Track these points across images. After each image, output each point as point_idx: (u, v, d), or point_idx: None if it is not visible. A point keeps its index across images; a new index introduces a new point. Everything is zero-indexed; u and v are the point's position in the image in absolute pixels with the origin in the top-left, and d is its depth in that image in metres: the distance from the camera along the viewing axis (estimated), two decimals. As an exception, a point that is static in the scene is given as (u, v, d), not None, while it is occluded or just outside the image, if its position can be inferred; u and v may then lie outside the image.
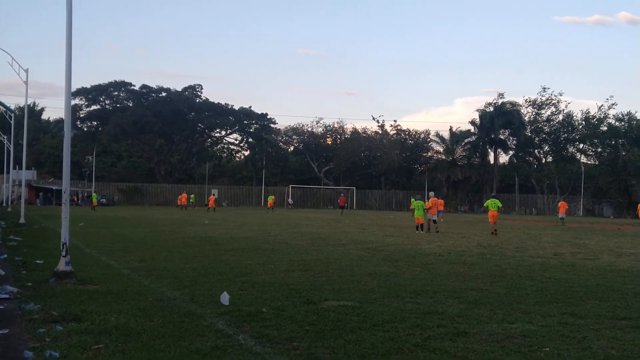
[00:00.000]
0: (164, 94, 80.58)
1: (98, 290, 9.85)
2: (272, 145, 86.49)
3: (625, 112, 75.38)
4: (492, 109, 77.63)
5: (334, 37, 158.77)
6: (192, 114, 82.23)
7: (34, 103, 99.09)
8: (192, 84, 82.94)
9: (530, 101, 78.50)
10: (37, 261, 13.54)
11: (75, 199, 69.88)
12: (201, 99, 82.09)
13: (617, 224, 43.27)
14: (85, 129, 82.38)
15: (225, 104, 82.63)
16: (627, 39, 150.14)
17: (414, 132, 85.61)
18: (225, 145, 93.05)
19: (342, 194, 65.96)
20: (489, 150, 79.86)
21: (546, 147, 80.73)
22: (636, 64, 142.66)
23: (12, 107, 53.63)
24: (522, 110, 78.38)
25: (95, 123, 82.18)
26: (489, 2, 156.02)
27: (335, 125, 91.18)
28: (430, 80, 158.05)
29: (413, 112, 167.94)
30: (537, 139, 79.57)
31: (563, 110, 77.69)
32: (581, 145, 79.59)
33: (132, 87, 79.77)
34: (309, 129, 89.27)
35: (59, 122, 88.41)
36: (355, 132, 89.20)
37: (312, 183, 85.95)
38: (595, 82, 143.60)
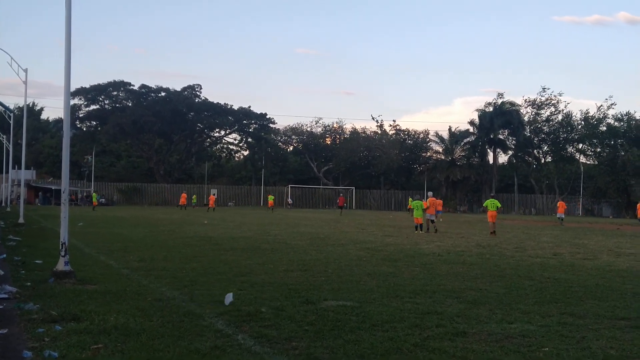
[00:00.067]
0: (163, 94, 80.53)
1: (97, 290, 9.85)
2: (272, 145, 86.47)
3: (625, 112, 75.49)
4: (491, 108, 77.67)
5: (333, 37, 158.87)
6: (192, 113, 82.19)
7: (33, 103, 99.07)
8: (191, 84, 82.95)
9: (529, 101, 78.58)
10: (36, 261, 13.53)
11: (75, 199, 69.85)
12: (200, 98, 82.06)
13: (616, 224, 43.29)
14: (84, 129, 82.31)
15: (225, 103, 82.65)
16: (626, 39, 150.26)
17: (413, 132, 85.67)
18: (225, 145, 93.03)
19: (341, 194, 65.97)
20: (488, 150, 79.91)
21: (545, 147, 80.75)
22: (635, 64, 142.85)
23: (11, 107, 53.53)
24: (521, 110, 78.47)
25: (94, 123, 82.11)
26: (489, 2, 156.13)
27: (335, 125, 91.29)
28: (430, 80, 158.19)
29: (412, 112, 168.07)
30: (536, 139, 79.58)
31: (562, 110, 77.83)
32: (580, 145, 79.63)
33: (131, 87, 79.73)
34: (308, 129, 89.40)
35: (58, 121, 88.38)
36: (354, 132, 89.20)
37: (311, 183, 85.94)
38: (594, 82, 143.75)
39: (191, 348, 6.41)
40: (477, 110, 79.02)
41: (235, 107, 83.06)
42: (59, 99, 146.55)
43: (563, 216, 41.02)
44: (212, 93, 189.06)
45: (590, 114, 76.63)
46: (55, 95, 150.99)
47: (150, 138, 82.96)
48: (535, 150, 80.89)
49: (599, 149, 77.16)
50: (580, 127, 77.28)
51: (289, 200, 74.85)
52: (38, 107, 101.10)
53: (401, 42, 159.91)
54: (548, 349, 6.66)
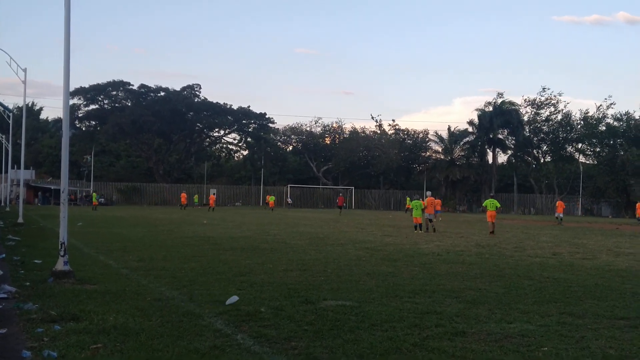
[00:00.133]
0: (162, 94, 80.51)
1: (96, 289, 9.84)
2: (271, 145, 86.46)
3: (624, 112, 75.51)
4: (491, 108, 77.68)
5: (333, 37, 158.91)
6: (191, 113, 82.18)
7: (32, 102, 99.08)
8: (190, 84, 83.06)
9: (529, 101, 78.58)
10: (36, 261, 13.52)
11: (74, 199, 69.83)
12: (200, 98, 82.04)
13: (616, 224, 43.30)
14: (83, 129, 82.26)
15: (224, 103, 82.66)
16: (625, 38, 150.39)
17: (412, 132, 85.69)
18: (224, 145, 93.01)
19: (340, 194, 65.98)
20: (488, 150, 79.91)
21: (545, 147, 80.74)
22: (635, 63, 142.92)
23: (11, 107, 53.44)
24: (520, 110, 78.46)
25: (93, 122, 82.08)
26: (488, 2, 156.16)
27: (334, 125, 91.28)
28: (429, 79, 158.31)
29: (412, 111, 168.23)
30: (535, 138, 79.58)
31: (562, 110, 77.82)
32: (580, 145, 79.63)
33: (131, 87, 79.71)
34: (308, 129, 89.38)
35: (58, 121, 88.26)
36: (353, 131, 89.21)
37: (310, 183, 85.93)
38: (593, 82, 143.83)
39: (190, 348, 6.40)
40: (476, 109, 79.16)
41: (235, 107, 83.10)
42: (58, 98, 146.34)
43: (562, 215, 41.06)
44: (211, 93, 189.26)
45: (590, 114, 76.71)
46: (54, 95, 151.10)
47: (150, 138, 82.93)
48: (534, 150, 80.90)
49: (598, 149, 77.18)
50: (579, 126, 77.28)
51: (289, 200, 74.85)
52: (37, 107, 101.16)
53: (401, 41, 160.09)
54: (547, 348, 6.66)
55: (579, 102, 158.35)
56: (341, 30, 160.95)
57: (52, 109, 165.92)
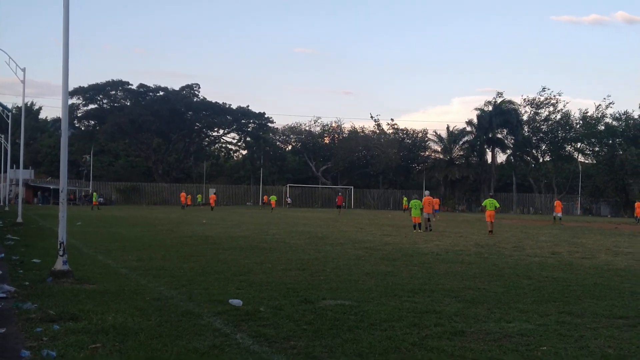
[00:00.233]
0: (161, 93, 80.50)
1: (95, 289, 9.84)
2: (270, 145, 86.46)
3: (623, 112, 75.58)
4: (490, 107, 77.69)
5: (332, 37, 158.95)
6: (190, 113, 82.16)
7: (31, 102, 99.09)
8: (189, 83, 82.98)
9: (528, 100, 78.59)
10: (35, 260, 13.51)
11: (73, 198, 69.80)
12: (199, 98, 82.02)
13: (615, 223, 43.33)
14: (82, 128, 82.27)
15: (223, 103, 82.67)
16: (624, 38, 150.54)
17: (411, 132, 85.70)
18: (223, 145, 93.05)
19: (339, 193, 66.00)
20: (487, 149, 79.92)
21: (544, 147, 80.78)
22: (633, 63, 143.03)
23: (10, 106, 53.43)
24: (520, 110, 78.47)
25: (92, 122, 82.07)
26: (487, 2, 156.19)
27: (333, 125, 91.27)
28: (428, 79, 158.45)
29: (411, 111, 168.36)
30: (534, 138, 79.63)
31: (561, 109, 77.85)
32: (579, 145, 79.68)
33: (130, 87, 79.69)
34: (307, 128, 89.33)
35: (57, 121, 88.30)
36: (353, 131, 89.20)
37: (309, 182, 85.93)
38: (592, 82, 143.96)
39: (189, 347, 6.40)
40: (476, 109, 79.16)
41: (234, 107, 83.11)
42: (57, 98, 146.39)
43: (560, 215, 41.10)
44: (210, 92, 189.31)
45: (589, 113, 76.74)
46: (53, 94, 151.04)
47: (149, 137, 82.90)
48: (533, 150, 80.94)
49: (597, 148, 77.23)
50: (578, 126, 77.34)
51: (288, 199, 74.85)
52: (36, 107, 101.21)
53: (400, 41, 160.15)
54: (546, 347, 6.67)
55: (578, 101, 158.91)
56: (340, 30, 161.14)
57: (51, 109, 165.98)
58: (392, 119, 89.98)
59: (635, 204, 48.50)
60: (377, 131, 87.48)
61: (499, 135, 79.11)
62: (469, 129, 79.27)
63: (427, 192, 30.75)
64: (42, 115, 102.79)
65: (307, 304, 8.82)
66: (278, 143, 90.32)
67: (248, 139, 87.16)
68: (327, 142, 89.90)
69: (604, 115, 75.86)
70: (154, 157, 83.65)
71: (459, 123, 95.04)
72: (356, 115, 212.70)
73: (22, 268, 12.42)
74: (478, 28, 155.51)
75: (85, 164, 77.70)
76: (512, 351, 6.51)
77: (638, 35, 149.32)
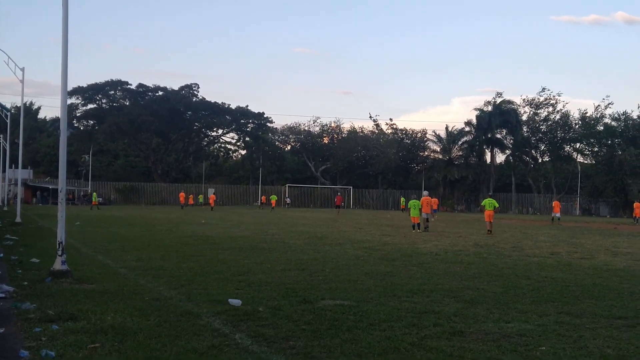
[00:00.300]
0: (160, 93, 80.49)
1: (94, 289, 9.83)
2: (269, 145, 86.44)
3: (622, 112, 75.65)
4: (490, 107, 77.72)
5: (331, 37, 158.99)
6: (189, 113, 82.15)
7: (30, 102, 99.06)
8: (188, 83, 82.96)
9: (527, 100, 78.61)
10: (33, 260, 13.50)
11: (72, 198, 69.76)
12: (198, 98, 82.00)
13: (614, 224, 43.36)
14: (81, 128, 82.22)
15: (222, 103, 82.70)
16: (624, 38, 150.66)
17: (410, 132, 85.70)
18: (222, 145, 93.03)
19: (339, 193, 66.03)
20: (486, 149, 79.93)
21: (543, 147, 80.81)
22: (633, 63, 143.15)
23: (8, 106, 53.47)
24: (519, 110, 78.49)
25: (91, 122, 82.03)
26: (486, 2, 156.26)
27: (332, 125, 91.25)
28: (428, 79, 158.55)
29: (411, 111, 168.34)
30: (533, 138, 79.66)
31: (561, 110, 77.89)
32: (578, 145, 79.73)
33: (129, 86, 79.65)
34: (306, 128, 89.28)
35: (55, 121, 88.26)
36: (352, 131, 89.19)
37: (309, 182, 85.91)
38: (591, 82, 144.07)
39: (188, 347, 6.40)
40: (475, 109, 79.14)
41: (233, 107, 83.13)
42: (56, 98, 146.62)
43: (559, 215, 41.13)
44: (209, 92, 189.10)
45: (588, 114, 76.80)
46: (52, 94, 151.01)
47: (148, 137, 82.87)
48: (532, 150, 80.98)
49: (596, 149, 77.27)
50: (577, 126, 77.39)
51: (287, 199, 74.86)
52: (35, 106, 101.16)
53: (399, 41, 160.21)
54: (545, 348, 6.67)
55: (577, 101, 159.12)
56: (340, 30, 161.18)
57: (50, 109, 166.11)
58: (390, 119, 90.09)
59: (634, 204, 48.54)
60: (376, 131, 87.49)
61: (498, 136, 79.15)
62: (467, 129, 79.32)
63: (425, 192, 30.76)
64: (41, 115, 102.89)
65: (306, 304, 8.82)
66: (277, 143, 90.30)
67: (247, 139, 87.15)
68: (327, 142, 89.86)
69: (603, 116, 75.98)
70: (153, 157, 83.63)
71: (459, 123, 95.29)
72: (356, 115, 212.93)
73: (21, 268, 12.42)
74: (478, 28, 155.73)
75: (84, 164, 77.67)
76: (511, 351, 6.51)
77: (638, 35, 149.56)
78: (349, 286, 10.65)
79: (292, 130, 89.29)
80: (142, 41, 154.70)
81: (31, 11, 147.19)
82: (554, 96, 77.56)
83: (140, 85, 79.95)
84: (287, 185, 79.89)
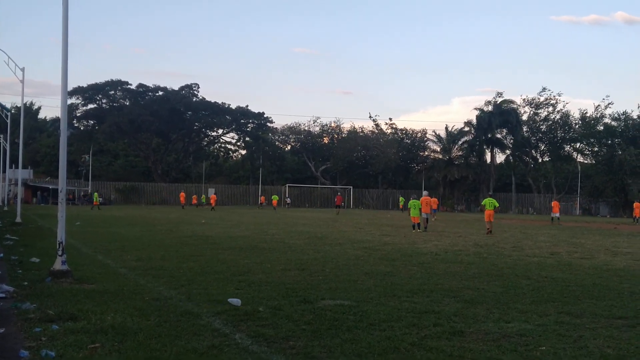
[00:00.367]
0: (160, 93, 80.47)
1: (94, 289, 9.83)
2: (269, 144, 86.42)
3: (622, 112, 75.65)
4: (490, 107, 77.71)
5: (331, 36, 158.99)
6: (189, 113, 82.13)
7: (31, 102, 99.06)
8: (188, 83, 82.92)
9: (527, 100, 78.62)
10: (33, 260, 13.50)
11: (72, 198, 69.77)
12: (198, 98, 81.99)
13: (614, 223, 43.37)
14: (81, 128, 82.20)
15: (222, 103, 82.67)
16: (624, 38, 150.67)
17: (410, 132, 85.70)
18: (222, 145, 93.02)
19: (339, 193, 66.05)
20: (486, 149, 79.94)
21: (543, 147, 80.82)
22: (633, 63, 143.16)
23: (9, 106, 53.41)
24: (519, 110, 78.48)
25: (91, 122, 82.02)
26: (486, 2, 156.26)
27: (332, 125, 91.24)
28: (428, 79, 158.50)
29: (411, 111, 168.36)
30: (533, 138, 79.66)
31: (561, 109, 77.88)
32: (578, 145, 79.73)
33: (129, 86, 79.63)
34: (306, 128, 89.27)
35: (56, 121, 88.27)
36: (352, 131, 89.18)
37: (309, 182, 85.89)
38: (591, 82, 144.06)
39: (188, 347, 6.40)
40: (476, 108, 79.14)
41: (233, 107, 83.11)
42: (56, 98, 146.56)
43: (558, 215, 41.13)
44: (209, 92, 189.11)
45: (588, 114, 76.80)
46: (52, 94, 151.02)
47: (148, 137, 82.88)
48: (532, 150, 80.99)
49: (596, 149, 77.26)
50: (577, 126, 77.39)
51: (288, 199, 74.86)
52: (35, 106, 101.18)
53: (399, 41, 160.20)
54: (545, 348, 6.67)
55: (577, 101, 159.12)
56: (340, 30, 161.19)
57: (50, 109, 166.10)
58: (390, 119, 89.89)
59: (634, 204, 48.56)
60: (376, 131, 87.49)
61: (498, 136, 79.16)
62: (467, 129, 79.30)
63: (425, 193, 30.79)
64: (41, 115, 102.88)
65: (306, 304, 8.82)
66: (277, 143, 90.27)
67: (247, 138, 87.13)
68: (327, 142, 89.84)
69: (603, 116, 75.97)
70: (153, 157, 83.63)
71: (459, 123, 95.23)
72: (356, 115, 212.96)
73: (21, 268, 12.42)
74: (478, 28, 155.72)
75: (84, 164, 77.67)
76: (511, 351, 6.51)
77: (637, 35, 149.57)
78: (349, 286, 10.65)
79: (292, 130, 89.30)
80: (142, 41, 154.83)
81: (31, 11, 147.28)
82: (554, 96, 77.67)
83: (140, 85, 79.96)
84: (287, 185, 79.87)
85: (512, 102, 78.13)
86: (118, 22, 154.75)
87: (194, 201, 64.41)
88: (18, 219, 29.76)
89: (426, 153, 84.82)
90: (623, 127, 74.58)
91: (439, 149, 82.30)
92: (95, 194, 60.80)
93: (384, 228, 30.01)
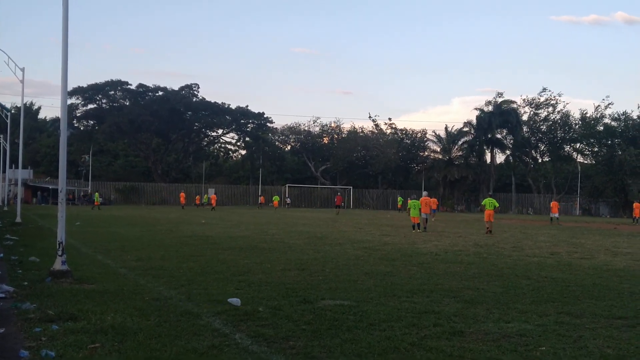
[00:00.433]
0: (160, 93, 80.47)
1: (94, 289, 9.83)
2: (269, 145, 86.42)
3: (622, 112, 75.64)
4: (491, 107, 77.71)
5: (331, 36, 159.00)
6: (189, 113, 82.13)
7: (31, 102, 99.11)
8: (188, 83, 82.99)
9: (527, 101, 78.61)
10: (33, 260, 13.50)
11: (72, 198, 69.76)
12: (198, 98, 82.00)
13: (614, 224, 43.36)
14: (81, 128, 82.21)
15: (222, 103, 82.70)
16: (624, 38, 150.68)
17: (410, 132, 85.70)
18: (222, 145, 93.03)
19: (339, 193, 66.07)
20: (486, 149, 79.93)
21: (543, 147, 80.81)
22: (633, 63, 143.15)
23: (8, 106, 53.43)
24: (519, 110, 78.47)
25: (91, 122, 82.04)
26: (486, 2, 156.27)
27: (332, 125, 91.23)
28: (428, 79, 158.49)
29: (411, 111, 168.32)
30: (533, 138, 79.66)
31: (561, 110, 77.87)
32: (578, 145, 79.72)
33: (129, 86, 79.63)
34: (306, 128, 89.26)
35: (55, 121, 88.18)
36: (352, 131, 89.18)
37: (308, 182, 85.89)
38: (592, 82, 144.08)
39: (188, 347, 6.40)
40: (476, 108, 79.11)
41: (233, 107, 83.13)
42: (56, 98, 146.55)
43: (557, 215, 41.14)
44: (209, 93, 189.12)
45: (588, 114, 76.80)
46: (52, 94, 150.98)
47: (148, 137, 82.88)
48: (532, 150, 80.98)
49: (596, 149, 77.25)
50: (577, 126, 77.39)
51: (288, 199, 74.85)
52: (35, 107, 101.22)
53: (399, 41, 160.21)
54: (545, 348, 6.67)
55: (577, 102, 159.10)
56: (340, 30, 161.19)
57: (50, 109, 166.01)
58: (389, 119, 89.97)
59: (634, 204, 48.56)
60: (376, 131, 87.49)
61: (498, 136, 79.15)
62: (467, 129, 79.28)
63: (425, 193, 30.80)
64: (41, 115, 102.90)
65: (306, 304, 8.82)
66: (277, 143, 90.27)
67: (247, 139, 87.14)
68: (326, 142, 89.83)
69: (603, 116, 75.95)
70: (153, 157, 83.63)
71: (459, 123, 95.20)
72: (355, 116, 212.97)
73: (21, 268, 12.42)
74: (478, 28, 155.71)
75: (84, 164, 77.65)
76: (510, 351, 6.51)
77: (637, 35, 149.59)
78: (349, 286, 10.65)
79: (292, 130, 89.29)
80: (142, 41, 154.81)
81: (31, 11, 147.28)
82: (554, 96, 77.66)
83: (140, 85, 79.96)
84: (287, 185, 79.87)
85: (512, 102, 78.19)
86: (118, 22, 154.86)
87: (197, 201, 64.52)
88: (18, 219, 29.76)
89: (426, 153, 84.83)
90: (623, 127, 74.57)
91: (438, 149, 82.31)
92: (97, 194, 60.85)
93: (383, 228, 30.01)
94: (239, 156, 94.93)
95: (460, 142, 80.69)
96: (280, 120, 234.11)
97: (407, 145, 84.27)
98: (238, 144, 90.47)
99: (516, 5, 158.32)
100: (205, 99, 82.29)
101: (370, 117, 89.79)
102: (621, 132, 74.36)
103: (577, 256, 16.96)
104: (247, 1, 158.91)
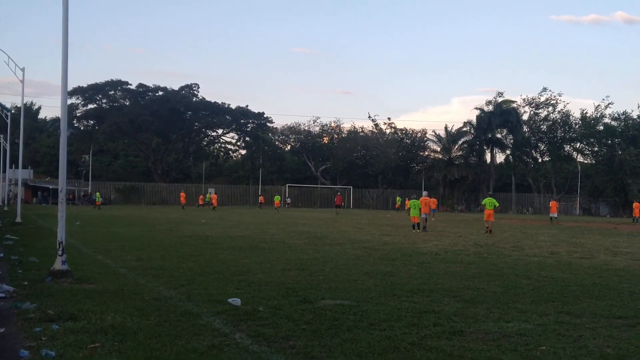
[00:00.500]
0: (160, 93, 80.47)
1: (94, 289, 9.83)
2: (269, 144, 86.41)
3: (622, 112, 75.66)
4: (491, 107, 77.70)
5: (331, 36, 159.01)
6: (189, 113, 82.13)
7: (31, 102, 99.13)
8: (188, 83, 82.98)
9: (527, 100, 78.61)
10: (33, 260, 13.50)
11: (72, 198, 69.76)
12: (198, 98, 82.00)
13: (614, 223, 43.36)
14: (81, 128, 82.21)
15: (222, 103, 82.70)
16: (623, 38, 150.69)
17: (410, 131, 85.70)
18: (222, 145, 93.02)
19: (338, 193, 66.06)
20: (486, 149, 79.92)
21: (543, 147, 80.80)
22: (633, 63, 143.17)
23: (9, 106, 53.45)
24: (519, 110, 78.46)
25: (91, 122, 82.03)
26: (486, 2, 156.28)
27: (332, 125, 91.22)
28: (428, 79, 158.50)
29: (411, 111, 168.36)
30: (533, 138, 79.66)
31: (561, 109, 77.85)
32: (578, 145, 79.72)
33: (129, 86, 79.63)
34: (306, 128, 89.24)
35: (56, 121, 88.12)
36: (352, 131, 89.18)
37: (308, 182, 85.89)
38: (592, 82, 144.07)
39: (188, 347, 6.40)
40: (476, 108, 79.10)
41: (233, 107, 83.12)
42: (56, 98, 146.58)
43: (556, 215, 41.15)
44: (209, 92, 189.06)
45: (588, 114, 76.79)
46: (52, 94, 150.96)
47: (148, 137, 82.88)
48: (532, 150, 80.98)
49: (596, 148, 77.26)
50: (577, 126, 77.39)
51: (288, 199, 74.82)
52: (35, 106, 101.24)
53: (399, 41, 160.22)
54: (545, 347, 6.67)
55: (577, 101, 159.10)
56: (339, 30, 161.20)
57: (50, 109, 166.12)
58: (389, 118, 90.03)
59: (634, 204, 48.57)
60: (376, 131, 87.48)
61: (498, 135, 79.14)
62: (467, 129, 79.27)
63: (424, 193, 30.81)
64: (41, 115, 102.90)
65: (306, 304, 8.82)
66: (277, 143, 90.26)
67: (247, 138, 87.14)
68: (326, 142, 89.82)
69: (603, 116, 75.96)
70: (153, 157, 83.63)
71: (459, 123, 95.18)
72: (355, 115, 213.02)
73: (21, 268, 12.42)
74: (478, 28, 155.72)
75: (84, 164, 77.65)
76: (510, 351, 6.51)
77: (637, 35, 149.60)
78: (349, 286, 10.65)
79: (292, 130, 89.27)
80: (142, 41, 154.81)
81: (31, 11, 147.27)
82: (554, 96, 77.65)
83: (140, 85, 79.96)
84: (287, 185, 79.86)
85: (512, 102, 78.15)
86: (118, 22, 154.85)
87: (200, 201, 64.49)
88: (18, 219, 29.76)
89: (426, 153, 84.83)
90: (623, 127, 74.57)
91: (438, 149, 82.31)
92: (97, 193, 60.88)
93: (383, 228, 30.02)
94: (239, 156, 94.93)
95: (460, 142, 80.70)
96: (280, 120, 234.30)
97: (407, 145, 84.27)
98: (238, 143, 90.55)
99: (516, 5, 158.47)
100: (205, 99, 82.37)
101: (370, 117, 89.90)
102: (621, 132, 74.36)
103: (577, 256, 16.97)
104: (247, 1, 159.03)
